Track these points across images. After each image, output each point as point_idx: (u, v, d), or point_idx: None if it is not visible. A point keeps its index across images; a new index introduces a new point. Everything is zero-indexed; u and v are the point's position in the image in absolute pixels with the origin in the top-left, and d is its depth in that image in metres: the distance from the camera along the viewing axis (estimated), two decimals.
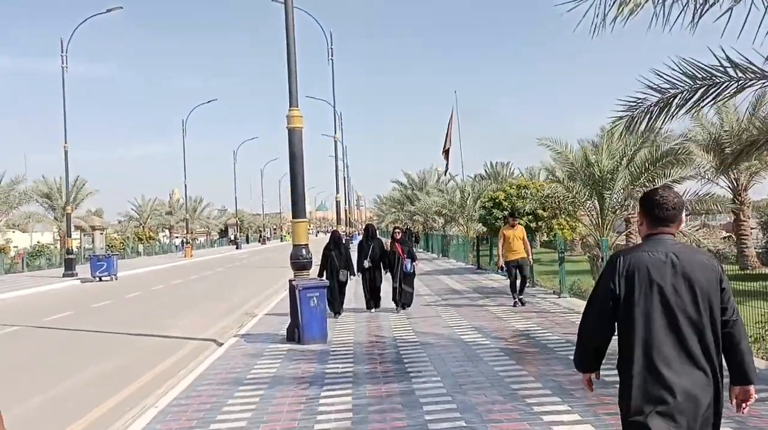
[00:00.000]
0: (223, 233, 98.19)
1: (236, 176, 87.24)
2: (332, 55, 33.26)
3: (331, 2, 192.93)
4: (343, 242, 13.44)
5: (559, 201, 13.67)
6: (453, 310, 12.95)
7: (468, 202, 29.92)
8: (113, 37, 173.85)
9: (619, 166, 13.20)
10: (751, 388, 2.80)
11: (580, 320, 2.97)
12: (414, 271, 12.87)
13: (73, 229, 50.54)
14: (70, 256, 32.31)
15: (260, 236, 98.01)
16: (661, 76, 7.35)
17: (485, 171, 51.82)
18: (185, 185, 54.25)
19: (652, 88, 7.46)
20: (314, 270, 13.10)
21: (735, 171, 22.77)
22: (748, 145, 7.46)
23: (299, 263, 10.52)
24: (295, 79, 10.67)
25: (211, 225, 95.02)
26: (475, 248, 24.92)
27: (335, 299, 12.24)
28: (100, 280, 29.15)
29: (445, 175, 42.61)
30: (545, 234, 20.98)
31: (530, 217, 20.74)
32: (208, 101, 56.89)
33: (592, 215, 13.78)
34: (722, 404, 2.74)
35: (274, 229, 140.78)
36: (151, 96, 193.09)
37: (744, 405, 2.85)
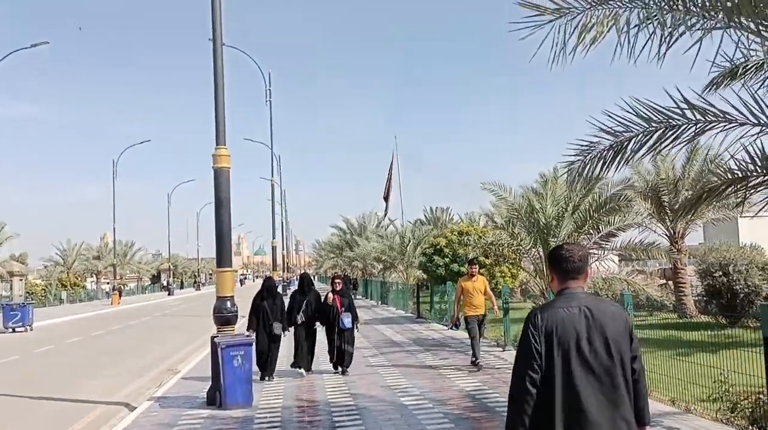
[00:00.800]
0: (155, 278, 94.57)
1: (171, 219, 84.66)
2: (270, 97, 32.56)
3: (273, 47, 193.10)
4: (278, 289, 12.19)
5: (503, 248, 13.10)
6: (392, 366, 12.05)
7: (408, 248, 29.29)
8: (40, 75, 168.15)
9: (565, 212, 12.78)
10: (646, 429, 3.00)
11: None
12: (355, 326, 11.32)
13: None
14: None
15: (195, 282, 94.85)
16: (613, 118, 6.86)
17: (425, 216, 51.57)
18: (114, 229, 51.91)
19: (605, 131, 6.95)
20: (243, 323, 12.02)
21: (672, 219, 23.00)
22: (707, 192, 6.96)
23: (223, 317, 9.47)
24: (222, 115, 9.81)
25: (142, 270, 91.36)
26: (415, 295, 24.17)
27: (266, 358, 10.89)
28: (14, 331, 26.95)
29: (384, 219, 42.08)
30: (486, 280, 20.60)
31: None
32: (141, 142, 54.73)
33: (536, 263, 13.25)
34: None
35: (210, 274, 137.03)
36: (82, 137, 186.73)
37: None
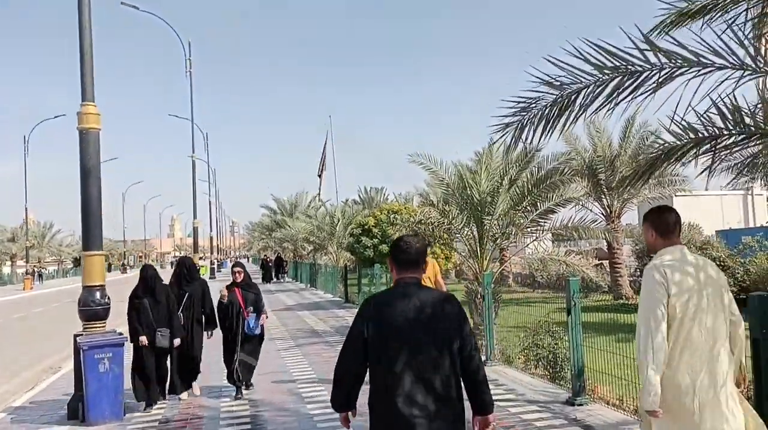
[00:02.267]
0: (78, 261, 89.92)
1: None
2: (190, 67, 30.21)
3: (203, 20, 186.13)
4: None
5: (433, 228, 11.75)
6: (306, 363, 10.59)
7: (338, 228, 27.78)
8: None
9: (500, 187, 11.50)
10: (489, 417, 3.03)
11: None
12: (262, 332, 8.42)
13: None
14: None
15: (122, 265, 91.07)
16: (559, 66, 5.49)
17: (359, 196, 50.12)
18: (26, 209, 48.37)
19: (548, 83, 5.58)
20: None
21: (608, 197, 22.28)
22: (665, 154, 5.69)
23: (90, 311, 7.77)
24: (90, 64, 8.01)
25: (63, 253, 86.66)
26: (343, 278, 22.74)
27: (151, 380, 7.73)
28: None
29: (317, 199, 40.44)
30: None
31: None
32: (55, 116, 50.88)
33: (470, 244, 11.97)
34: None
35: (140, 256, 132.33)
36: None
37: None
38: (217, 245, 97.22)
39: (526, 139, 6.10)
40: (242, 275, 8.35)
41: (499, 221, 11.82)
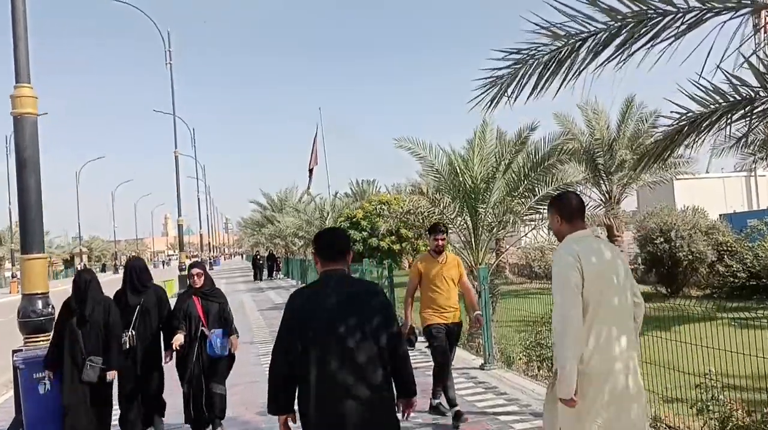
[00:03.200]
0: (69, 262, 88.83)
1: (84, 200, 78.92)
2: (170, 59, 29.06)
3: (189, 13, 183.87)
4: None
5: (423, 218, 10.80)
6: None
7: (327, 222, 26.79)
8: None
9: (496, 172, 10.55)
10: (413, 399, 3.13)
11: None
12: (231, 351, 6.30)
13: None
14: None
15: (103, 266, 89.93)
16: (562, 11, 4.52)
17: (351, 190, 49.16)
18: (9, 210, 47.16)
19: (549, 30, 4.61)
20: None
21: (607, 182, 21.39)
22: (689, 125, 4.74)
23: (31, 324, 6.76)
24: (25, 42, 7.01)
25: (53, 254, 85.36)
26: None
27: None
28: None
29: (308, 193, 39.42)
30: (410, 256, 18.33)
31: (392, 237, 17.96)
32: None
33: (464, 234, 11.04)
34: (396, 418, 3.01)
35: (133, 255, 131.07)
36: None
37: (407, 413, 3.17)
38: (209, 243, 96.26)
39: (517, 96, 5.09)
40: (202, 278, 6.29)
41: (494, 209, 10.89)
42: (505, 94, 5.11)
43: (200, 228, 51.97)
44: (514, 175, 11.01)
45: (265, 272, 38.00)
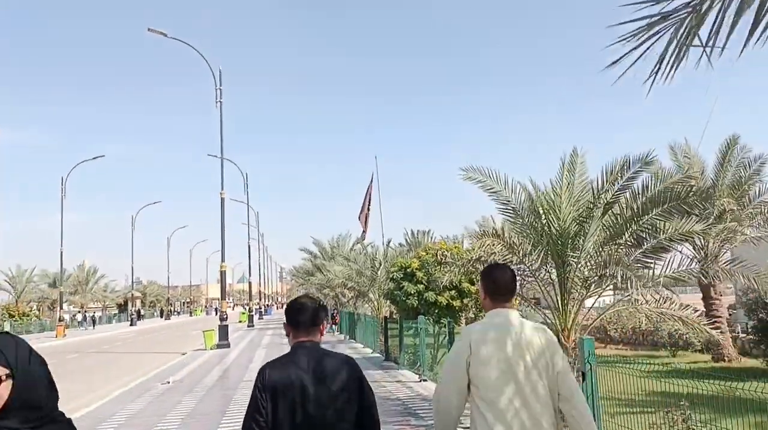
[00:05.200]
0: (122, 307, 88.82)
1: (138, 245, 79.33)
2: (221, 97, 27.89)
3: (248, 60, 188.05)
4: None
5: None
6: None
7: (379, 273, 24.54)
8: None
9: (592, 211, 8.13)
10: None
11: None
12: None
13: None
14: None
15: (161, 311, 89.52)
16: None
17: (405, 240, 46.90)
18: (61, 253, 46.86)
19: None
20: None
21: (702, 235, 18.48)
22: None
23: None
24: None
25: (107, 298, 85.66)
26: (383, 331, 19.36)
27: None
28: None
29: (360, 242, 37.37)
30: (471, 314, 15.84)
31: (453, 292, 15.52)
32: (94, 157, 49.53)
33: (547, 291, 8.59)
34: None
35: (187, 302, 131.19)
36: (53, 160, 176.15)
37: None
38: (260, 291, 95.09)
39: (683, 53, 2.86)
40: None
41: (589, 259, 8.42)
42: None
43: (249, 275, 50.43)
44: (613, 218, 8.56)
45: None
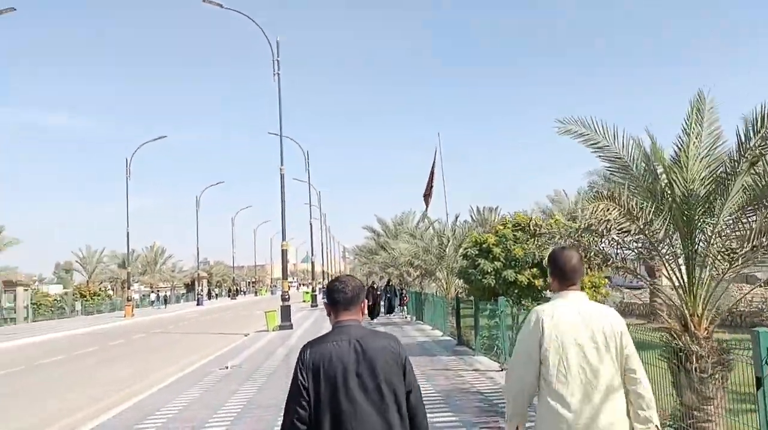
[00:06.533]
0: (189, 286, 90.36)
1: (204, 225, 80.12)
2: (278, 68, 26.74)
3: (308, 37, 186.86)
4: None
5: (608, 240, 6.83)
6: None
7: (448, 250, 23.04)
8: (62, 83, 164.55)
9: (736, 168, 6.39)
10: None
11: None
12: None
13: None
14: None
15: (229, 291, 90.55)
16: None
17: (471, 218, 45.20)
18: (127, 233, 47.12)
19: None
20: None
21: None
22: None
23: None
24: None
25: (175, 278, 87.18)
26: (455, 312, 17.91)
27: None
28: None
29: (424, 220, 35.92)
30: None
31: (534, 270, 13.90)
32: (156, 139, 49.40)
33: (671, 267, 6.93)
34: None
35: (252, 282, 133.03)
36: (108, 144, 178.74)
37: None
38: (323, 271, 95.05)
39: None
40: None
41: (725, 227, 6.71)
42: None
43: (312, 255, 49.75)
44: (758, 176, 6.77)
45: (383, 307, 30.53)
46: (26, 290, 45.60)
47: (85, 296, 57.62)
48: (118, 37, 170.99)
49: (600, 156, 7.46)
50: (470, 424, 7.83)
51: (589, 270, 8.52)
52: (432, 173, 43.05)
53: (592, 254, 7.59)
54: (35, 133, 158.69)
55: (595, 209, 6.32)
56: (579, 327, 3.06)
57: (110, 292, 69.45)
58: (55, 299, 53.20)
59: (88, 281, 63.86)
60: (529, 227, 8.06)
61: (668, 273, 7.00)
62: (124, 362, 18.51)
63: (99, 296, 60.40)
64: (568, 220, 16.23)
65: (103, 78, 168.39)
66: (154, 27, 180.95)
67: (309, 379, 2.76)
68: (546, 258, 3.50)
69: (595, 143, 7.40)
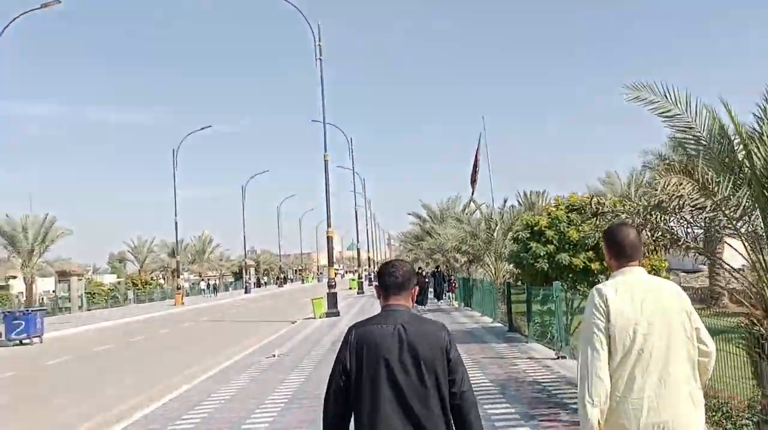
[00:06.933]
0: (238, 275, 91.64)
1: (250, 214, 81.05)
2: (320, 54, 26.42)
3: (350, 22, 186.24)
4: None
5: (678, 214, 6.22)
6: None
7: (496, 235, 22.43)
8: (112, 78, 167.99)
9: None
10: None
11: None
12: None
13: (37, 274, 44.31)
14: None
15: (277, 278, 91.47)
16: None
17: (518, 201, 44.32)
18: (176, 223, 47.81)
19: None
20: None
21: None
22: None
23: None
24: None
25: (223, 267, 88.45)
26: (505, 298, 17.36)
27: None
28: (21, 343, 22.53)
29: (470, 204, 35.26)
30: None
31: (590, 253, 13.24)
32: (201, 128, 49.94)
33: (753, 250, 6.29)
34: None
35: (299, 270, 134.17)
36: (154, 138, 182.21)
37: None
38: (368, 258, 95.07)
39: None
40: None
41: None
42: None
43: (357, 242, 49.57)
44: None
45: (431, 294, 28.70)
46: (80, 279, 46.68)
47: (137, 285, 58.83)
48: (161, 31, 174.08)
49: (671, 126, 6.84)
50: (528, 416, 7.36)
51: (655, 251, 7.92)
52: (477, 158, 42.39)
53: (659, 234, 7.00)
54: (87, 127, 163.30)
55: (666, 184, 5.73)
56: (643, 302, 2.94)
57: (161, 281, 70.84)
58: (109, 289, 54.39)
59: (139, 271, 65.25)
60: (590, 205, 7.41)
61: (748, 254, 6.36)
62: (172, 351, 18.57)
63: (150, 284, 61.60)
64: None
65: (150, 72, 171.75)
66: (202, 20, 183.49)
67: (352, 360, 2.74)
68: (602, 236, 3.27)
69: (666, 112, 6.78)
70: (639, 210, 6.39)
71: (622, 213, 6.92)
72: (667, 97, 6.75)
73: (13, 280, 52.43)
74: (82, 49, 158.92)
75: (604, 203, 7.49)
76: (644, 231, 6.97)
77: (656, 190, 6.07)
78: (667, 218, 6.68)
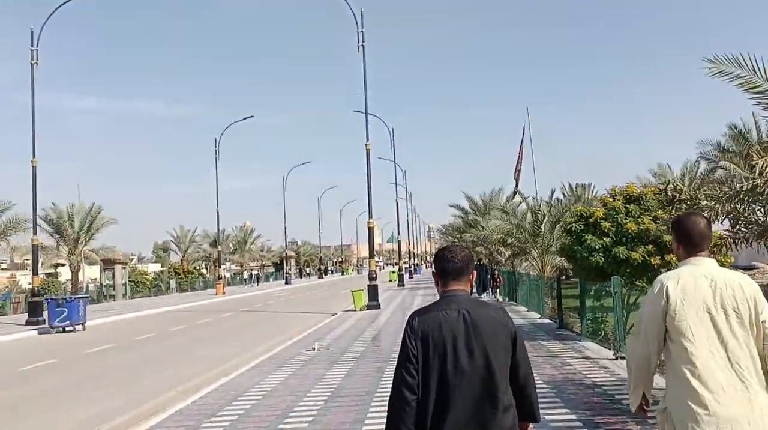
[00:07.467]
0: (278, 266, 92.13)
1: (291, 205, 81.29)
2: (363, 41, 25.83)
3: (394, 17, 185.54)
4: None
5: (750, 208, 5.47)
6: None
7: (543, 227, 21.59)
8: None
9: None
10: (530, 425, 2.92)
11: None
12: None
13: (83, 262, 45.00)
14: (35, 298, 25.91)
15: (318, 269, 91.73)
16: None
17: (563, 194, 43.04)
18: (217, 212, 47.92)
19: None
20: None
21: None
22: None
23: None
24: None
25: (264, 258, 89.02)
26: (555, 293, 16.58)
27: None
28: (64, 330, 22.68)
29: (514, 196, 34.34)
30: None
31: (650, 246, 12.42)
32: (244, 118, 49.90)
33: None
34: None
35: (339, 261, 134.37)
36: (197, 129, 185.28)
37: None
38: (409, 250, 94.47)
39: None
40: None
41: None
42: None
43: (398, 234, 49.01)
44: None
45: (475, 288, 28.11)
46: (124, 268, 47.29)
47: (180, 274, 59.42)
48: (206, 24, 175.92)
49: (760, 103, 6.06)
50: (592, 424, 6.68)
51: (734, 244, 7.14)
52: (521, 149, 41.39)
53: (744, 224, 6.25)
54: (134, 119, 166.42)
55: (765, 166, 4.99)
56: (707, 294, 2.90)
57: (203, 271, 71.57)
58: (153, 278, 55.04)
59: (182, 260, 65.96)
60: (665, 192, 6.66)
61: None
62: (211, 341, 18.33)
63: (192, 274, 62.20)
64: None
65: (194, 65, 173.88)
66: (242, 11, 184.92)
67: (418, 347, 2.71)
68: (670, 226, 3.25)
69: (754, 87, 6.03)
70: (722, 198, 5.65)
71: (702, 201, 6.18)
72: (756, 72, 5.98)
73: (62, 268, 53.53)
74: (128, 41, 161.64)
75: (682, 190, 6.74)
76: (722, 223, 6.24)
77: (734, 176, 5.32)
78: (755, 207, 5.93)
